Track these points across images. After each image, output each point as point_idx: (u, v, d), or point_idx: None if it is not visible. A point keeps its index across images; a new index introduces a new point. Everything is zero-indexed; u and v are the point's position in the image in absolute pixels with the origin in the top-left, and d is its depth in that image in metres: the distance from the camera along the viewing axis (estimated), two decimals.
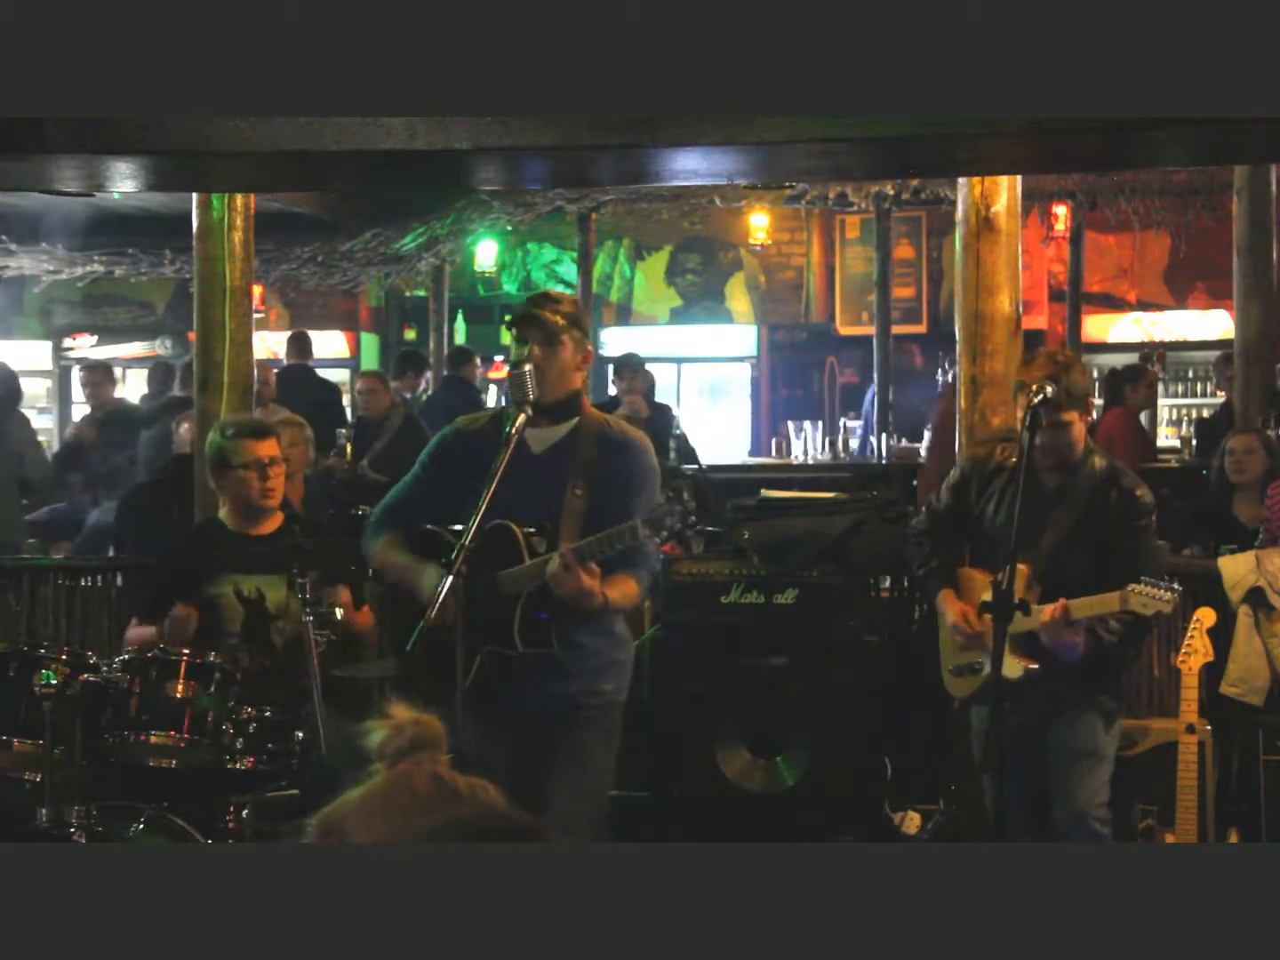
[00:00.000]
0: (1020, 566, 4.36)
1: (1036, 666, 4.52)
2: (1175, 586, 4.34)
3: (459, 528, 4.04)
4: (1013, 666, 4.42)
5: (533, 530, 4.08)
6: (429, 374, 12.02)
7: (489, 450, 4.05)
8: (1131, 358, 13.62)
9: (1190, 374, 14.24)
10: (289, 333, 11.62)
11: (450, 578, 3.82)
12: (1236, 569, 5.66)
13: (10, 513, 8.15)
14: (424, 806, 1.85)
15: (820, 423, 12.28)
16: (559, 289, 15.47)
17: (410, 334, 15.50)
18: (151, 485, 6.88)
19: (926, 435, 11.44)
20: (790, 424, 11.59)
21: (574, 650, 4.15)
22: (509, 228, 12.88)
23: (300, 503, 7.02)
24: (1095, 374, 14.23)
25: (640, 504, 4.05)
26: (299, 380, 10.47)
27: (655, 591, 5.95)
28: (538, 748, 4.20)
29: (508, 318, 4.30)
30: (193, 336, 6.87)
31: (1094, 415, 4.71)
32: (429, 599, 3.94)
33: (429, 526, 4.22)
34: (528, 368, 4.10)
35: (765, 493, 6.24)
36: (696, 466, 8.92)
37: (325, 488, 8.02)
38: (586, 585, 3.94)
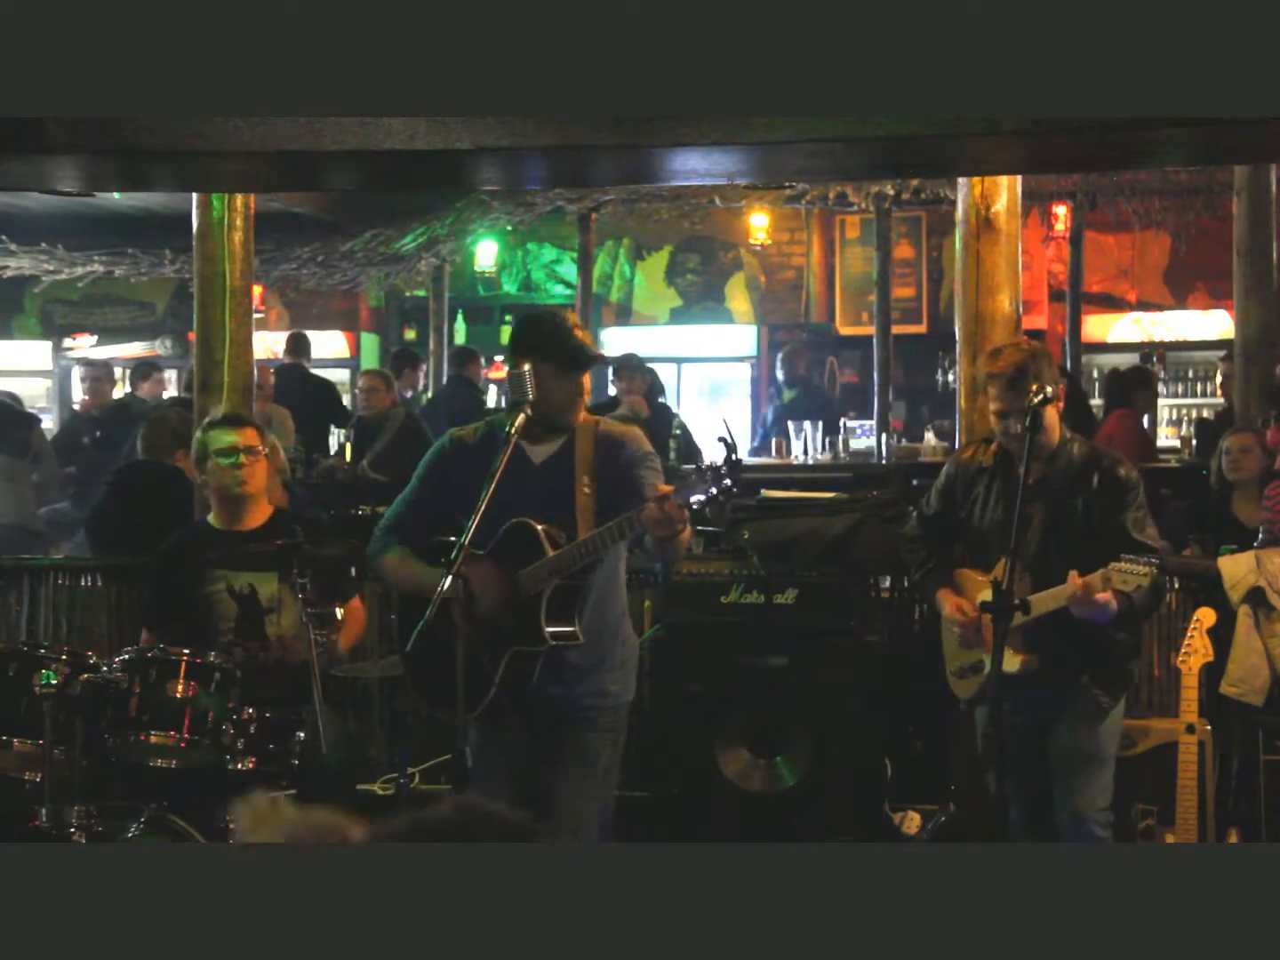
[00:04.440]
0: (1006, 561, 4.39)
1: (1033, 658, 4.53)
2: (1154, 560, 4.35)
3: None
4: (1010, 660, 4.43)
5: (551, 525, 4.10)
6: (425, 368, 12.04)
7: (486, 457, 4.06)
8: (1132, 358, 13.63)
9: (1190, 374, 14.24)
10: (287, 332, 11.64)
11: (450, 578, 3.83)
12: (1236, 569, 5.66)
13: (27, 505, 8.90)
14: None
15: (820, 423, 12.27)
16: (559, 289, 15.50)
17: (410, 334, 15.49)
18: (107, 496, 6.81)
19: (927, 436, 11.47)
20: (790, 424, 11.58)
21: (582, 650, 4.16)
22: (509, 228, 12.87)
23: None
24: (1096, 374, 14.27)
25: (646, 482, 4.10)
26: (297, 380, 10.49)
27: (655, 591, 5.97)
28: (543, 748, 4.20)
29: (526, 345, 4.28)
30: (193, 336, 6.87)
31: (1062, 404, 4.70)
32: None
33: (447, 539, 4.21)
34: (526, 367, 4.11)
35: (765, 493, 6.23)
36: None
37: (313, 493, 8.01)
38: (678, 514, 3.83)
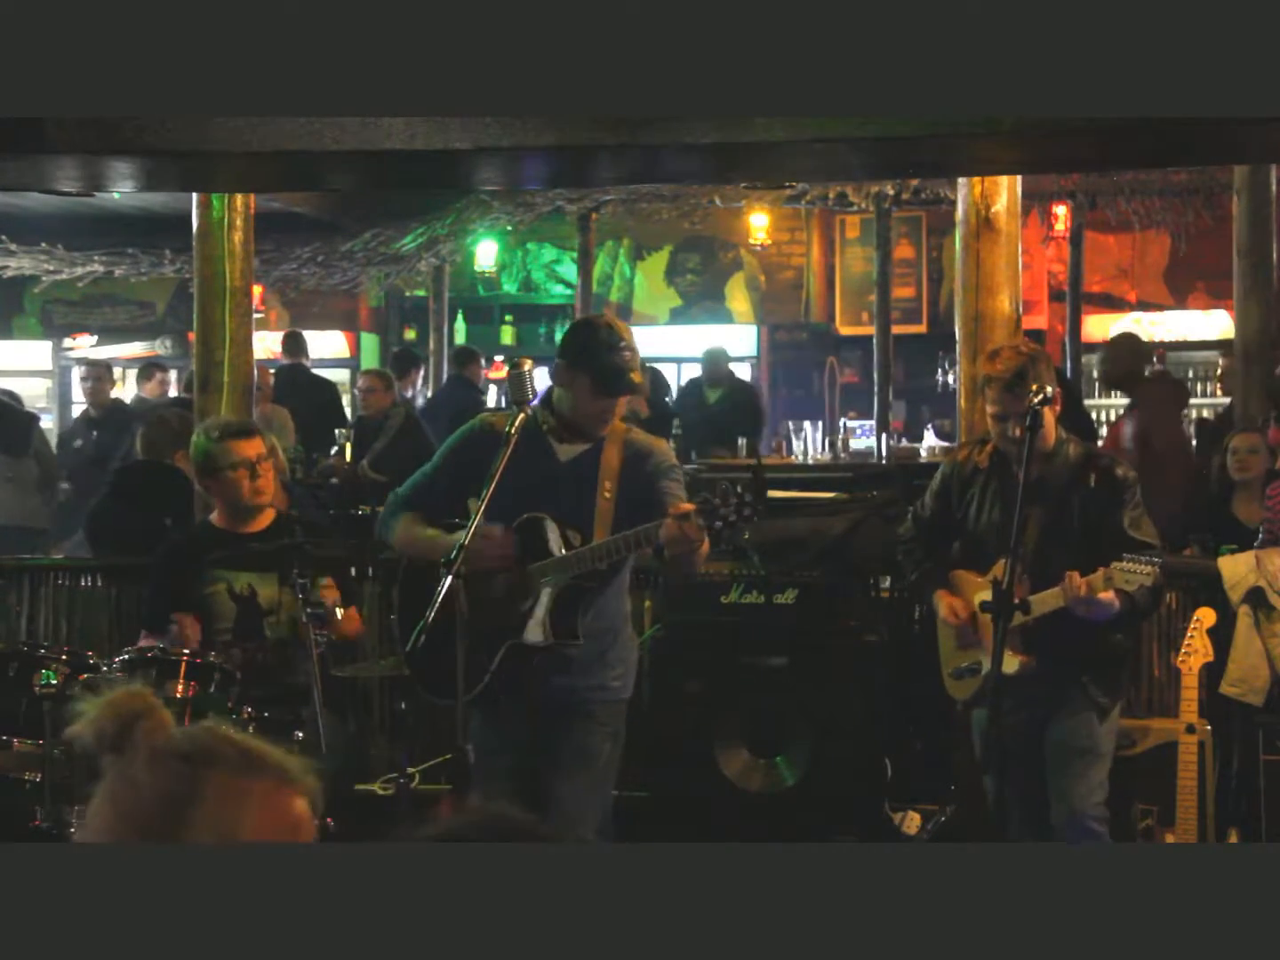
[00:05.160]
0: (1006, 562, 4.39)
1: (1031, 659, 4.54)
2: (1156, 560, 4.35)
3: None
4: (1008, 661, 4.44)
5: (569, 525, 4.11)
6: (423, 371, 12.04)
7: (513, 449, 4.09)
8: None
9: (1190, 374, 14.23)
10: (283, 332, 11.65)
11: (450, 578, 3.84)
12: (1236, 569, 5.66)
13: (34, 506, 9.14)
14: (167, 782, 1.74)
15: (820, 423, 12.27)
16: (559, 289, 15.50)
17: (410, 334, 15.48)
18: (108, 497, 6.81)
19: (926, 436, 11.47)
20: (790, 424, 11.58)
21: (587, 646, 4.18)
22: (509, 228, 12.86)
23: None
24: (1095, 374, 14.27)
25: (669, 494, 4.12)
26: (297, 380, 10.49)
27: (655, 591, 5.97)
28: (544, 743, 4.21)
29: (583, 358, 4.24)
30: (193, 336, 6.87)
31: (1059, 406, 4.68)
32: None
33: (454, 520, 4.23)
34: (527, 367, 4.13)
35: None
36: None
37: (312, 494, 8.01)
38: (697, 535, 3.83)
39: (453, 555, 3.87)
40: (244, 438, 5.13)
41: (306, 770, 1.78)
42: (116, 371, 14.46)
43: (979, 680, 4.66)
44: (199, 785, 1.72)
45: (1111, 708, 4.70)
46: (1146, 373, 8.50)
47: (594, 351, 4.19)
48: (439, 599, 3.85)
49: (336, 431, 9.51)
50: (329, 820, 4.43)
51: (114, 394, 11.00)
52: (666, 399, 10.70)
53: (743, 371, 15.30)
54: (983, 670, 4.63)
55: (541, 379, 4.56)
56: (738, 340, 15.43)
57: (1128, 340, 8.97)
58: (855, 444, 11.98)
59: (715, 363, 11.58)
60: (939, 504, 4.89)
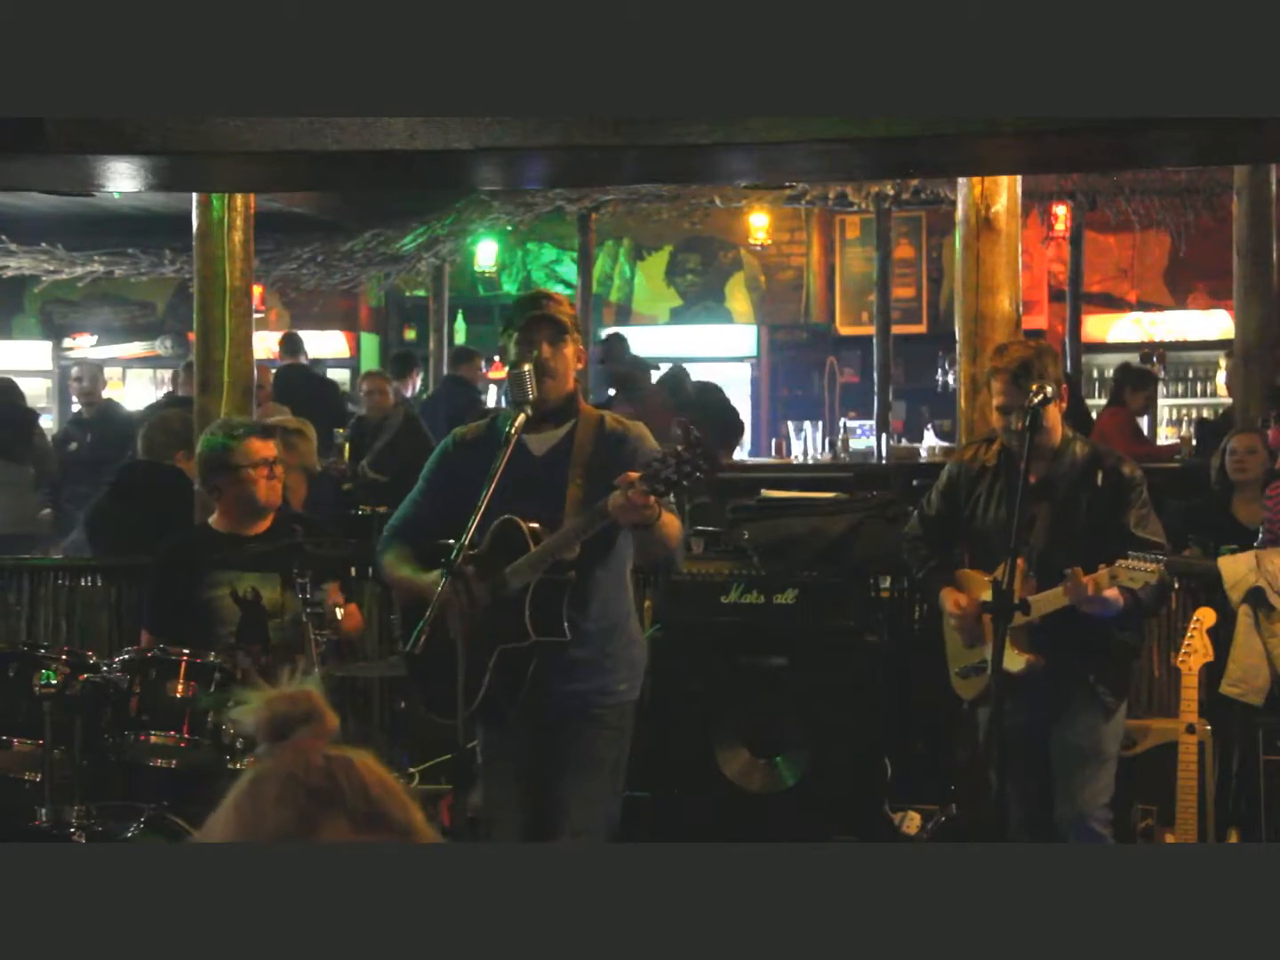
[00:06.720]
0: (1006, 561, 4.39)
1: (1038, 659, 4.53)
2: (1160, 557, 4.35)
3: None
4: (1014, 659, 4.44)
5: (535, 525, 4.09)
6: (421, 373, 12.05)
7: (488, 453, 4.06)
8: (1131, 358, 13.61)
9: (1190, 374, 14.23)
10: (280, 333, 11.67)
11: (449, 577, 3.83)
12: (1236, 569, 5.66)
13: (30, 509, 9.14)
14: (310, 792, 1.68)
15: (820, 423, 12.27)
16: (559, 289, 15.49)
17: (410, 334, 15.48)
18: (108, 497, 6.79)
19: (926, 436, 11.46)
20: (790, 424, 11.57)
21: (588, 648, 4.16)
22: (509, 228, 12.87)
23: (301, 506, 7.00)
24: (1095, 374, 14.28)
25: None
26: (297, 380, 10.50)
27: (655, 591, 5.96)
28: (550, 749, 4.19)
29: (509, 320, 4.31)
30: (193, 336, 6.87)
31: (1065, 403, 4.73)
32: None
33: (444, 541, 4.21)
34: (527, 367, 4.10)
35: (765, 493, 6.23)
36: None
37: (333, 492, 8.00)
38: (642, 500, 3.83)
39: (453, 555, 3.87)
40: (265, 437, 5.17)
41: (429, 834, 1.73)
42: (117, 372, 14.50)
43: (985, 679, 4.66)
44: (312, 831, 1.67)
45: (1117, 707, 4.70)
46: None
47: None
48: (438, 602, 3.85)
49: (336, 431, 9.51)
50: None
51: (107, 394, 10.99)
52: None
53: (742, 371, 15.33)
54: (989, 669, 4.62)
55: None
56: (738, 340, 15.45)
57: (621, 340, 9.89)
58: (855, 444, 11.98)
59: (679, 385, 11.32)
60: (945, 502, 4.89)
